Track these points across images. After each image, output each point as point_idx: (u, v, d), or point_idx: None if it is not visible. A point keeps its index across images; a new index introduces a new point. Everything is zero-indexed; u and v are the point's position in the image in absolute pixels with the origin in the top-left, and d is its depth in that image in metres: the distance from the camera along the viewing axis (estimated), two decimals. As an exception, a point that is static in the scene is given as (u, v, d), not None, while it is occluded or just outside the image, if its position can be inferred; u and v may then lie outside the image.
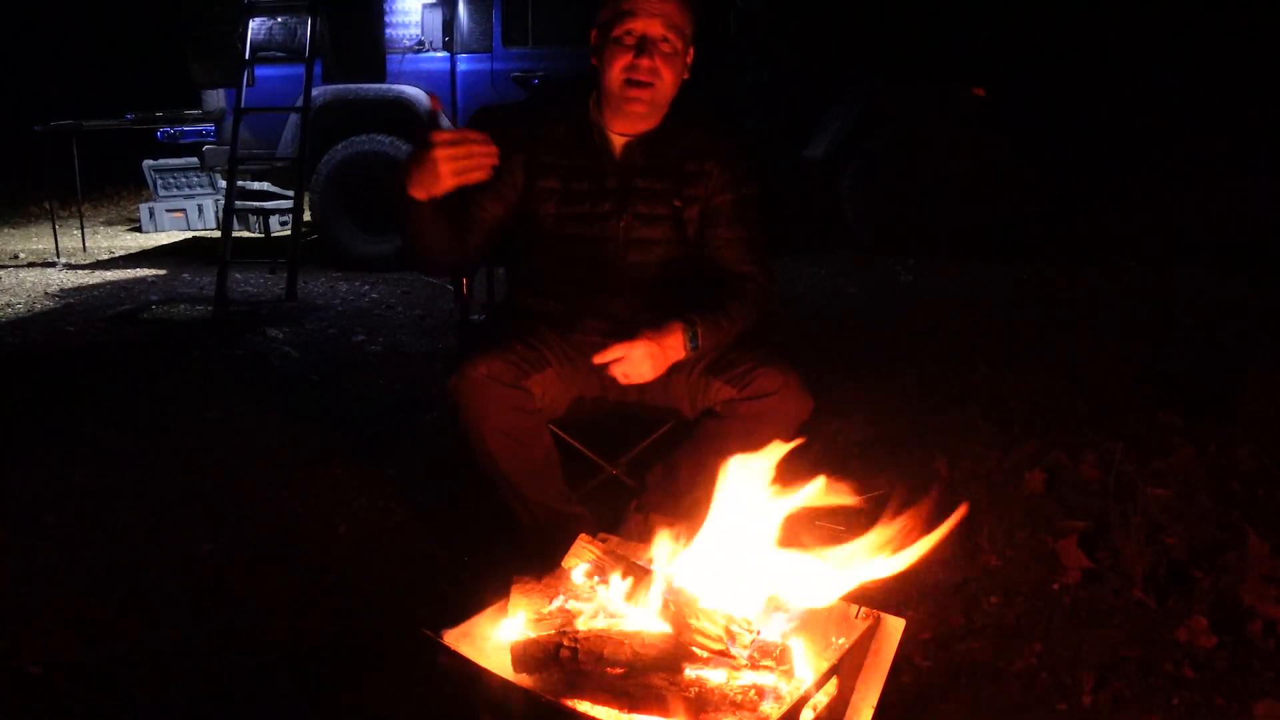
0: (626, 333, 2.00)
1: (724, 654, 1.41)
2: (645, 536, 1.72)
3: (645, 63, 1.91)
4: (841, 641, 1.51)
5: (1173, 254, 5.88)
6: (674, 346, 1.96)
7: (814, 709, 1.45)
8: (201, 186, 8.53)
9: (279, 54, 6.23)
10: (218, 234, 6.41)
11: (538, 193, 2.05)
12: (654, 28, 1.91)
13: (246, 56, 5.92)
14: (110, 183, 10.95)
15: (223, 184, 6.92)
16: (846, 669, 1.49)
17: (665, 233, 2.08)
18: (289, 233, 5.99)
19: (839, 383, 3.32)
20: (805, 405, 2.00)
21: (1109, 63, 7.30)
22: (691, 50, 2.00)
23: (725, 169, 2.08)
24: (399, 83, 6.31)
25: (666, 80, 1.96)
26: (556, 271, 2.11)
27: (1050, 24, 6.87)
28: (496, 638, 1.52)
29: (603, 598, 1.52)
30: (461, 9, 6.26)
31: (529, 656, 1.41)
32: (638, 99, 1.96)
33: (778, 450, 1.58)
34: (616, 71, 1.93)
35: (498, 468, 1.97)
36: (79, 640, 1.95)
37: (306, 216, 6.37)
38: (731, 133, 2.14)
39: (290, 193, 6.32)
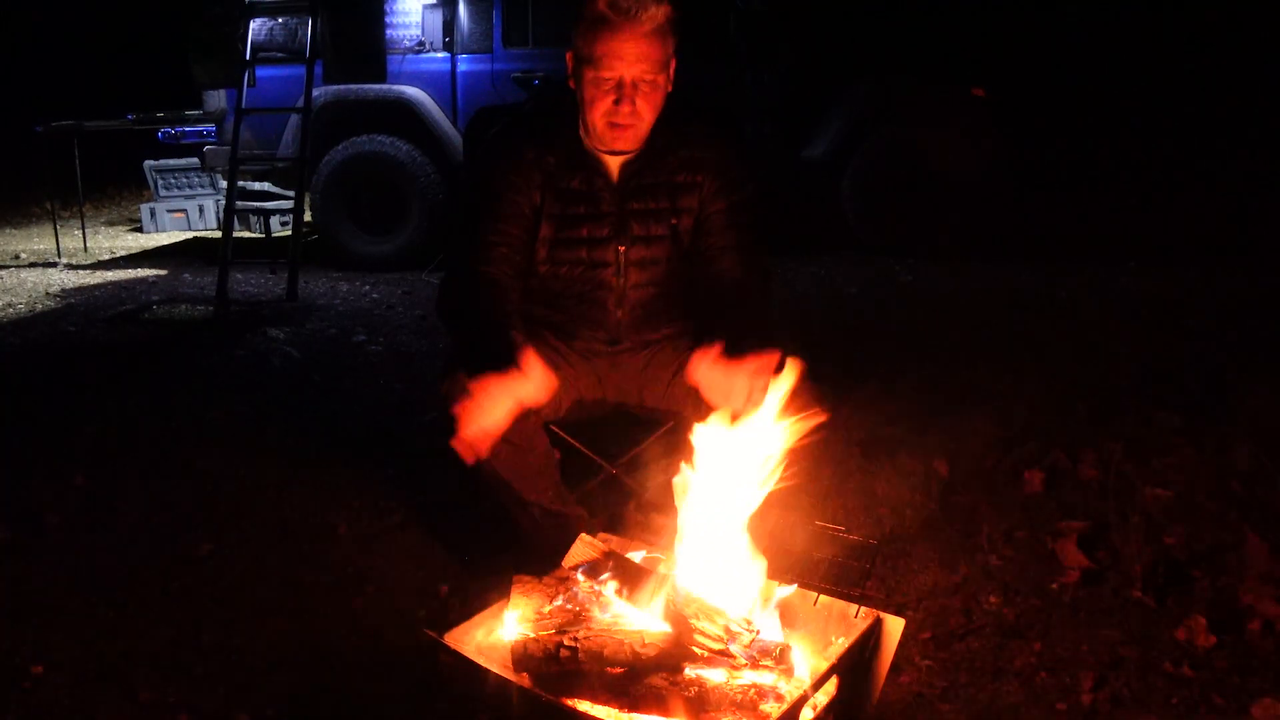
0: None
1: (724, 654, 1.42)
2: (645, 536, 1.73)
3: (626, 108, 1.89)
4: (841, 641, 1.52)
5: (1172, 254, 5.89)
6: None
7: (814, 709, 1.45)
8: (202, 187, 8.55)
9: (280, 54, 6.23)
10: (219, 234, 6.43)
11: (542, 212, 2.05)
12: (632, 71, 1.87)
13: (247, 57, 5.93)
14: (111, 183, 10.97)
15: (223, 184, 6.93)
16: (846, 669, 1.49)
17: (665, 251, 2.08)
18: (290, 233, 5.99)
19: (839, 383, 3.33)
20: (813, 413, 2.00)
21: (1109, 62, 7.30)
22: (673, 62, 1.96)
23: (715, 178, 2.07)
24: (399, 83, 6.31)
25: (648, 117, 1.94)
26: (555, 286, 2.11)
27: (1050, 24, 6.87)
28: (496, 638, 1.53)
29: (603, 597, 1.53)
30: (462, 9, 6.26)
31: (529, 656, 1.42)
32: (620, 138, 1.95)
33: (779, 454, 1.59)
34: (598, 116, 1.91)
35: (494, 470, 1.97)
36: (79, 640, 1.95)
37: (307, 217, 6.38)
38: (720, 141, 2.11)
39: (291, 193, 6.33)
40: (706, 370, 1.76)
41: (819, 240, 6.35)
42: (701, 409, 2.06)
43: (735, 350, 1.75)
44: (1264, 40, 7.71)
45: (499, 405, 1.68)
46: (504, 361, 1.71)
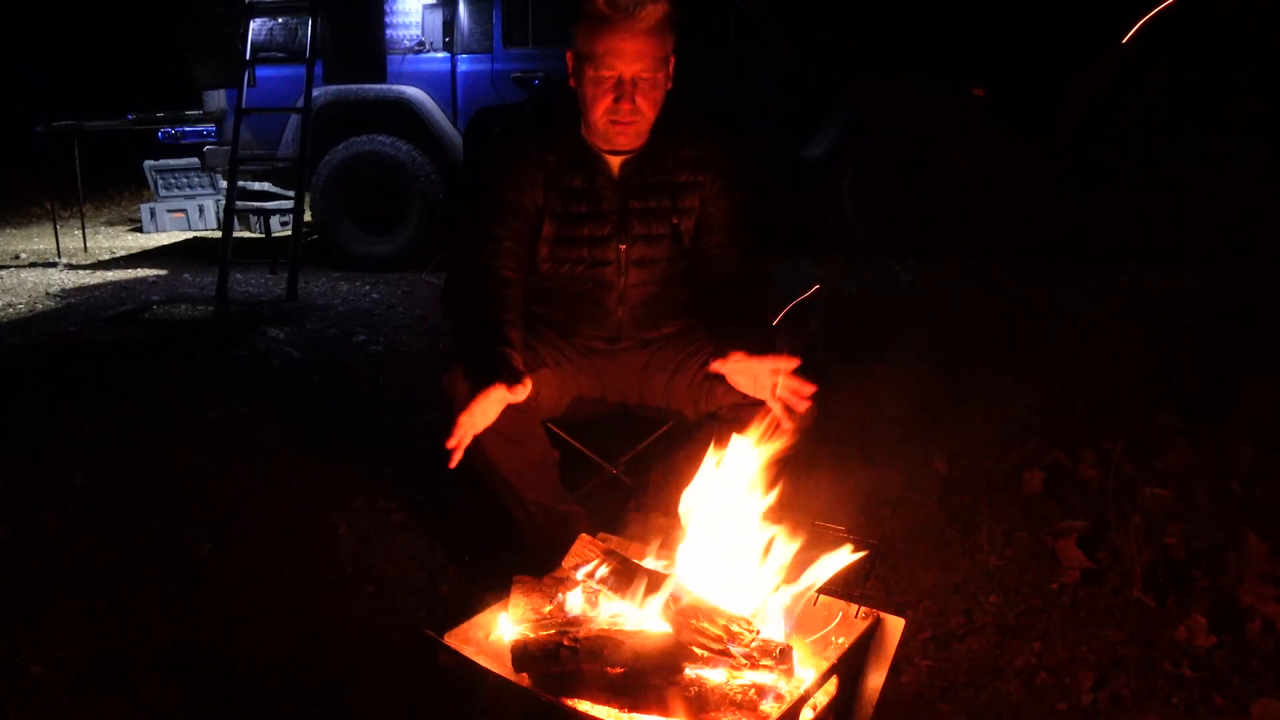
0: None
1: (724, 654, 1.42)
2: (645, 536, 1.73)
3: (626, 106, 1.90)
4: (841, 641, 1.52)
5: (1172, 254, 5.88)
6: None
7: (814, 709, 1.45)
8: (202, 187, 8.55)
9: (280, 55, 6.23)
10: (218, 234, 6.43)
11: (545, 209, 2.05)
12: (631, 69, 1.88)
13: (247, 57, 5.93)
14: (111, 183, 10.96)
15: (223, 184, 6.93)
16: (846, 669, 1.49)
17: (666, 250, 2.08)
18: (290, 233, 5.99)
19: (838, 383, 3.32)
20: (810, 412, 2.00)
21: (1108, 62, 7.29)
22: (672, 59, 1.97)
23: (717, 178, 2.07)
24: (399, 83, 6.31)
25: (649, 113, 1.94)
26: (556, 284, 2.11)
27: (1050, 24, 6.87)
28: (496, 638, 1.53)
29: (603, 597, 1.53)
30: (462, 9, 6.26)
31: (529, 656, 1.42)
32: (622, 135, 1.96)
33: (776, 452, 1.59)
34: (599, 113, 1.92)
35: (492, 466, 1.97)
36: (79, 640, 1.95)
37: (307, 217, 6.38)
38: (723, 141, 2.12)
39: (291, 193, 6.33)
40: (735, 366, 1.83)
41: (819, 240, 6.35)
42: (700, 408, 2.07)
43: (746, 344, 1.83)
44: (1264, 39, 7.71)
45: (488, 412, 1.75)
46: (494, 372, 1.76)
